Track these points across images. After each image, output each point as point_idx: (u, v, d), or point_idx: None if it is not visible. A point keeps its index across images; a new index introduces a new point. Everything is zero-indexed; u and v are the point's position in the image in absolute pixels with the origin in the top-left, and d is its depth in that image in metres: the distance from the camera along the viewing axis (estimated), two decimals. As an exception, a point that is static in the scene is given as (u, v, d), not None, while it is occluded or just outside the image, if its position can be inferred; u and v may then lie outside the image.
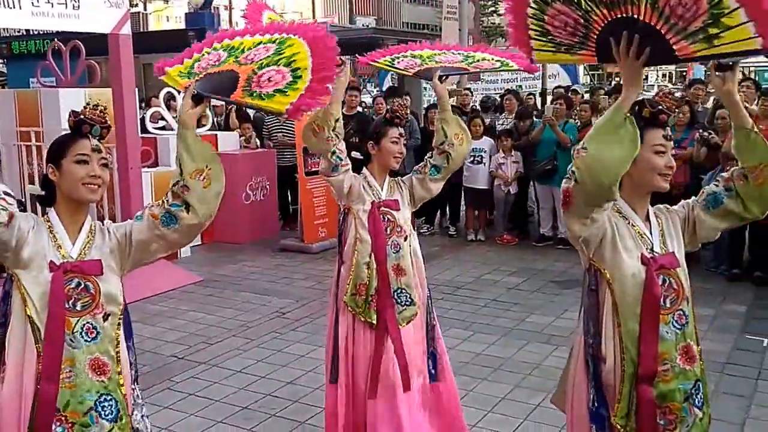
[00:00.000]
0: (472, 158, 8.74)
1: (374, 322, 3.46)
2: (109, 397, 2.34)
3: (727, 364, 4.99)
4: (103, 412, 2.32)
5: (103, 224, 2.48)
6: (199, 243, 8.87)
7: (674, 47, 2.10)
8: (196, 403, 4.55)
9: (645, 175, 2.32)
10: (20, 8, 5.93)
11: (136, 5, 33.90)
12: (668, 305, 2.32)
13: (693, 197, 2.49)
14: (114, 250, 2.42)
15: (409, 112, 4.16)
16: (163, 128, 9.04)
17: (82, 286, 2.32)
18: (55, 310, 2.26)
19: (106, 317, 2.37)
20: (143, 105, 10.97)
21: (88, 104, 2.42)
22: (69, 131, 2.38)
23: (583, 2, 2.20)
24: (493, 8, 48.58)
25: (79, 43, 8.46)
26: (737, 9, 1.92)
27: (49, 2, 6.18)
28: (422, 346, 3.57)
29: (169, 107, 9.23)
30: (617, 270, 2.32)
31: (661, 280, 2.32)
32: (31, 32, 17.29)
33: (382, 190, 3.55)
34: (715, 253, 7.31)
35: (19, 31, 18.48)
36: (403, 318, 3.50)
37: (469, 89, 11.26)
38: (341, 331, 3.52)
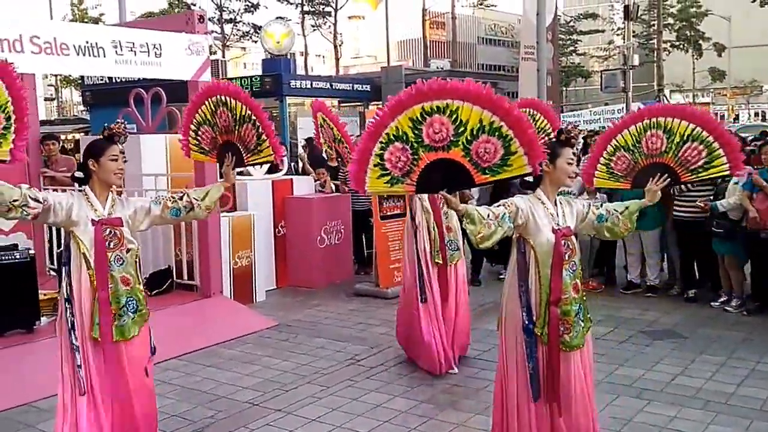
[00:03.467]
0: None
1: (440, 261, 5.83)
2: (133, 298, 3.93)
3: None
4: (128, 308, 3.91)
5: (120, 196, 4.06)
6: (274, 287, 8.86)
7: (474, 177, 3.44)
8: (270, 454, 4.44)
9: (561, 176, 3.72)
10: (104, 56, 6.10)
11: (215, 53, 35.13)
12: (567, 258, 3.70)
13: (593, 204, 3.94)
14: (131, 215, 3.97)
15: None
16: (240, 173, 9.13)
17: (113, 232, 3.87)
18: (99, 248, 3.82)
19: (128, 251, 3.93)
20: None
21: (116, 122, 3.93)
22: (105, 136, 3.90)
23: (414, 143, 3.37)
24: (572, 47, 48.23)
25: (161, 90, 8.65)
26: (518, 148, 3.31)
27: (132, 50, 6.34)
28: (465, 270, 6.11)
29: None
30: (537, 238, 3.67)
31: (563, 243, 3.67)
32: (113, 80, 18.00)
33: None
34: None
35: (101, 79, 19.25)
36: (453, 258, 5.88)
37: None
38: (424, 269, 5.77)
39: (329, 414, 5.00)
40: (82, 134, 21.16)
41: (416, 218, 5.84)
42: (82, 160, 3.96)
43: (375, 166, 3.45)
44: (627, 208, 3.88)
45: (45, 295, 6.40)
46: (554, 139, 3.88)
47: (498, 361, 3.93)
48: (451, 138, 3.34)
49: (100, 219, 3.83)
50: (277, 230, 9.08)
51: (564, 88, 45.48)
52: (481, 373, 5.70)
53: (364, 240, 9.78)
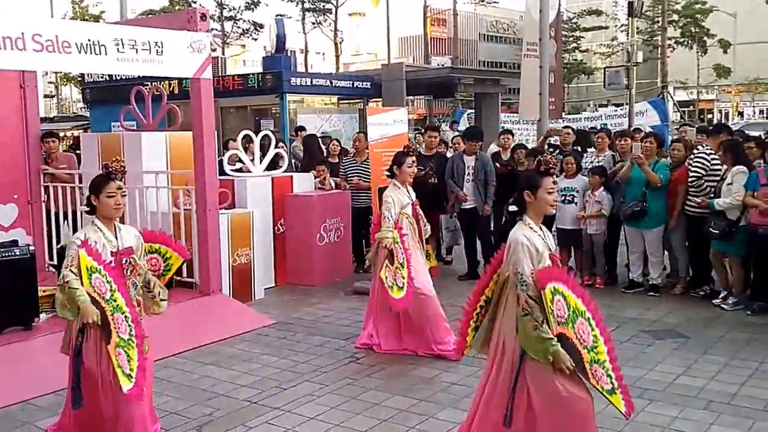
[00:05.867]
0: (563, 197, 8.40)
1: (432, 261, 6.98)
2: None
3: None
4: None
5: (122, 223, 4.39)
6: (273, 285, 8.84)
7: None
8: (268, 453, 4.41)
9: (543, 206, 3.86)
10: (106, 54, 6.07)
11: (215, 50, 35.11)
12: None
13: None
14: (136, 243, 4.34)
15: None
16: (240, 170, 9.10)
17: (129, 261, 4.23)
18: (119, 280, 4.09)
19: (139, 275, 4.30)
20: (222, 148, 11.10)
21: (115, 160, 4.28)
22: (103, 174, 4.24)
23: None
24: (575, 44, 48.08)
25: (161, 87, 8.62)
26: None
27: (134, 48, 6.30)
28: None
29: (246, 150, 9.30)
30: (542, 264, 3.74)
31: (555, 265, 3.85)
32: (113, 77, 17.96)
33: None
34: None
35: (101, 76, 19.21)
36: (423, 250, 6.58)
37: (571, 128, 10.74)
38: (413, 261, 6.19)
39: (328, 412, 4.99)
40: (82, 131, 21.12)
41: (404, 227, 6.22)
42: (87, 194, 4.31)
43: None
44: None
45: (44, 291, 6.37)
46: (534, 171, 4.04)
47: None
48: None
49: (118, 250, 4.18)
50: (276, 228, 9.05)
51: (566, 85, 45.37)
52: (480, 372, 5.65)
53: (363, 238, 9.73)
